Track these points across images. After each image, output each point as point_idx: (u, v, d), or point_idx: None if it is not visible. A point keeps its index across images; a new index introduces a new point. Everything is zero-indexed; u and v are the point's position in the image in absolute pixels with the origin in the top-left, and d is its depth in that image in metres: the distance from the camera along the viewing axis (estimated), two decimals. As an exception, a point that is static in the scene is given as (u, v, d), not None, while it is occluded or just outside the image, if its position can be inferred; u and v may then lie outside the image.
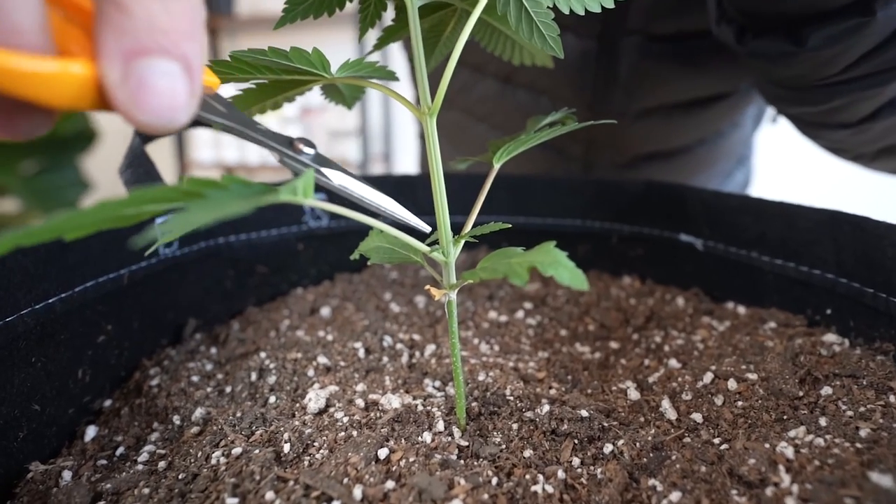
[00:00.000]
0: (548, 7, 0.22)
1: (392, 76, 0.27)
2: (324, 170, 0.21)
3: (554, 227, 0.41)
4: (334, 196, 0.36)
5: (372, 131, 2.08)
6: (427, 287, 0.23)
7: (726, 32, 0.32)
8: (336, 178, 0.21)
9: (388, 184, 0.41)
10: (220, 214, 0.14)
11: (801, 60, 0.30)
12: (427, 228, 0.22)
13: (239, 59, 0.22)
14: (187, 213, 0.14)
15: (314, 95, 2.20)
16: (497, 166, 0.26)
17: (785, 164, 1.47)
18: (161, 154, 2.17)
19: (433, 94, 0.22)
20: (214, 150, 2.00)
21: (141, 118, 0.15)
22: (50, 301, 0.26)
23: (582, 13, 0.23)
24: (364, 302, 0.37)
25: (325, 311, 0.36)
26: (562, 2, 0.22)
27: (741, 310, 0.33)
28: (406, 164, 2.14)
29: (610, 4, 0.23)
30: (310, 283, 0.41)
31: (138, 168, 0.33)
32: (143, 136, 0.34)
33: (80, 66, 0.15)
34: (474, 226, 0.24)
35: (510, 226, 0.22)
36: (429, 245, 0.24)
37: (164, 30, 0.15)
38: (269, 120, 1.95)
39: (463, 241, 0.23)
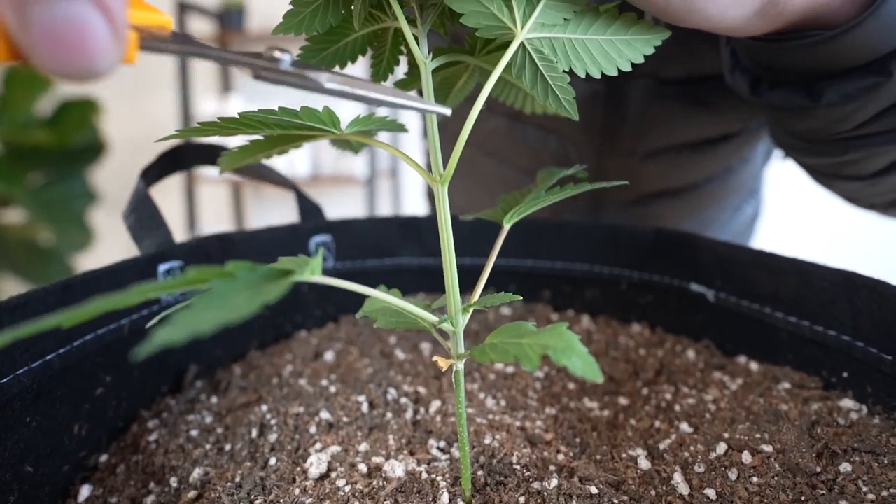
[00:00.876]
0: (564, 71, 0.22)
1: (402, 128, 0.27)
2: (309, 73, 0.19)
3: (562, 271, 0.40)
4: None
5: (379, 149, 2.09)
6: (435, 358, 0.22)
7: (740, 82, 0.32)
8: (325, 80, 0.19)
9: (393, 226, 0.40)
10: (225, 317, 0.13)
11: (816, 115, 0.29)
12: (448, 111, 0.20)
13: (248, 118, 0.22)
14: (189, 321, 0.13)
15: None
16: (507, 227, 0.25)
17: (795, 198, 1.47)
18: (168, 167, 2.18)
19: (445, 161, 0.22)
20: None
21: (54, 69, 0.13)
22: (48, 358, 0.25)
23: (598, 76, 0.22)
24: (368, 347, 0.37)
25: (329, 356, 0.36)
26: (578, 66, 0.22)
27: (753, 366, 0.32)
28: (413, 180, 2.14)
29: (627, 67, 0.23)
30: (314, 325, 0.40)
31: (142, 213, 0.33)
32: (147, 179, 0.34)
33: None
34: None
35: (521, 298, 0.21)
36: (435, 309, 0.24)
37: None
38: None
39: (471, 310, 0.22)
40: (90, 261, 2.22)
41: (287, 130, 0.23)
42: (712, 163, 0.49)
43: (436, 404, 0.30)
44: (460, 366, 0.22)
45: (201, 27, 2.06)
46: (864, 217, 0.43)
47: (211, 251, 0.35)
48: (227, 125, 0.22)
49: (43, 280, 1.85)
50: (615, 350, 0.36)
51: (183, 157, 0.37)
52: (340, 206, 2.11)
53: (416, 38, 0.22)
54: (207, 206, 2.23)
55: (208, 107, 1.98)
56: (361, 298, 0.41)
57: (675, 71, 0.41)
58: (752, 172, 0.56)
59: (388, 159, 2.14)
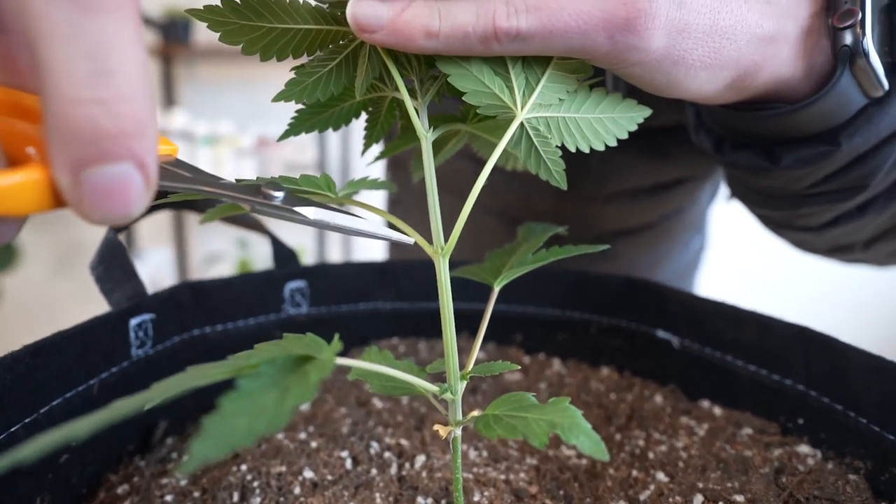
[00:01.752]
0: (556, 146, 0.23)
1: (391, 187, 0.27)
2: (297, 209, 0.21)
3: (535, 316, 0.41)
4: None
5: (330, 164, 2.06)
6: (435, 428, 0.23)
7: (704, 141, 0.34)
8: (311, 214, 0.21)
9: (369, 271, 0.40)
10: (260, 427, 0.13)
11: (774, 175, 0.32)
12: (410, 241, 0.22)
13: (246, 186, 0.21)
14: (225, 433, 0.13)
15: (272, 127, 2.16)
16: (497, 289, 0.26)
17: (737, 232, 1.56)
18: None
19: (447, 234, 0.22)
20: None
21: (96, 219, 0.16)
22: (13, 429, 0.24)
23: (587, 151, 0.24)
24: (344, 395, 0.36)
25: (304, 405, 0.35)
26: (569, 141, 0.23)
27: (717, 410, 0.34)
28: (366, 197, 2.12)
29: (613, 143, 0.24)
30: (286, 371, 0.39)
31: (112, 263, 0.31)
32: (118, 227, 0.33)
33: (35, 174, 0.16)
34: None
35: (518, 367, 0.22)
36: (429, 371, 0.24)
37: (109, 135, 0.15)
38: (225, 152, 1.91)
39: (468, 377, 0.23)
40: (15, 281, 2.07)
41: (290, 187, 0.23)
42: (666, 205, 0.53)
43: (420, 459, 0.30)
44: (458, 432, 0.23)
45: (144, 38, 1.98)
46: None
47: (183, 301, 0.34)
48: (244, 191, 0.22)
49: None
50: (587, 394, 0.37)
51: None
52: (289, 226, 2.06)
53: (415, 109, 0.23)
54: (147, 225, 2.13)
55: (150, 120, 1.90)
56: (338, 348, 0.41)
57: None
58: (700, 211, 0.60)
59: (340, 176, 2.13)
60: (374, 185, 0.27)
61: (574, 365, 0.41)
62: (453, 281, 0.33)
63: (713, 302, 0.34)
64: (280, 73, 0.23)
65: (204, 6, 0.22)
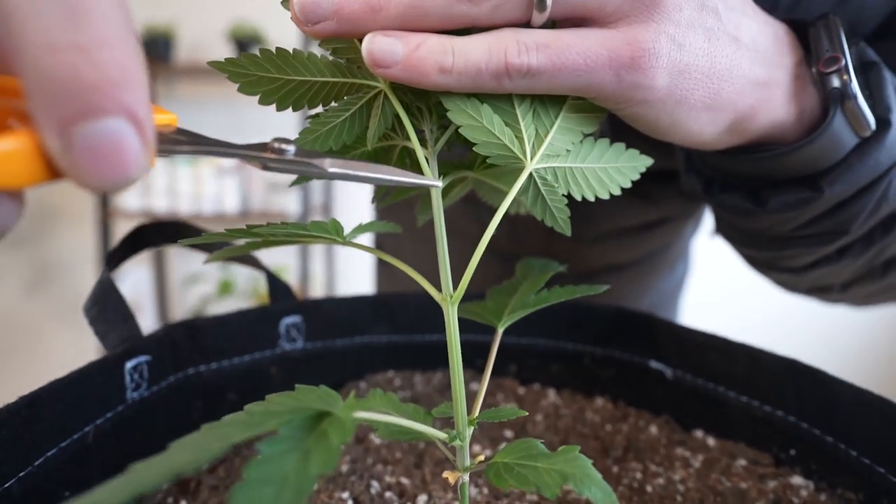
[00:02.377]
0: (562, 195, 0.24)
1: (396, 229, 0.28)
2: (313, 160, 0.20)
3: (529, 347, 0.42)
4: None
5: (312, 182, 2.06)
6: (445, 475, 0.23)
7: (694, 182, 0.35)
8: (328, 165, 0.20)
9: (364, 305, 0.40)
10: (287, 498, 0.13)
11: (760, 217, 0.33)
12: (439, 184, 0.22)
13: (258, 232, 0.22)
14: (254, 500, 0.13)
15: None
16: (501, 331, 0.27)
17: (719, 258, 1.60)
18: (83, 203, 2.03)
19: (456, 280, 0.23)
20: (143, 198, 1.90)
21: (93, 184, 0.14)
22: (8, 485, 0.23)
23: (592, 199, 0.24)
24: (342, 431, 0.36)
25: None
26: (575, 190, 0.24)
27: (711, 441, 0.35)
28: (348, 215, 2.12)
29: (616, 192, 0.25)
30: (281, 407, 0.39)
31: (106, 304, 0.31)
32: (111, 265, 0.32)
33: (22, 140, 0.14)
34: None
35: (525, 413, 0.22)
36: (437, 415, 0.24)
37: (92, 86, 0.13)
38: (205, 171, 1.89)
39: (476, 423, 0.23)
40: (-16, 303, 2.01)
41: (292, 237, 0.23)
42: (651, 242, 0.54)
43: (422, 499, 0.30)
44: (466, 477, 0.23)
45: None
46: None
47: (178, 340, 0.34)
48: (235, 235, 0.22)
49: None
50: (583, 425, 0.38)
51: (146, 237, 0.35)
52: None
53: (426, 158, 0.23)
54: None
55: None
56: (331, 378, 0.41)
57: None
58: (685, 241, 0.61)
59: (322, 194, 2.12)
60: (381, 226, 0.27)
61: (569, 395, 0.41)
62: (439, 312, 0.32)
63: (704, 334, 0.35)
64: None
65: (225, 59, 0.22)
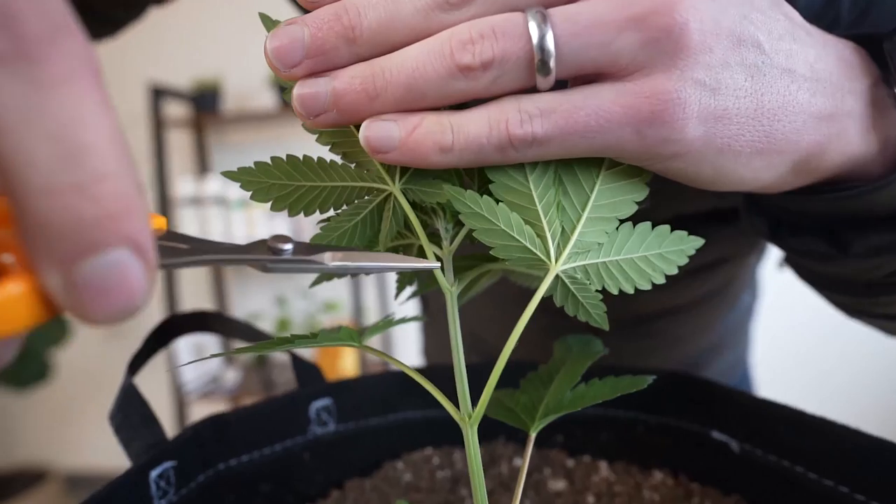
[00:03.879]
0: (596, 290, 0.21)
1: (423, 318, 0.26)
2: (312, 257, 0.19)
3: (574, 415, 0.38)
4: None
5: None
6: None
7: (758, 225, 0.31)
8: (329, 261, 0.19)
9: (394, 380, 0.39)
10: None
11: (842, 263, 0.29)
12: (436, 265, 0.21)
13: (267, 345, 0.21)
14: None
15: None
16: (533, 435, 0.24)
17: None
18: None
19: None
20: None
21: (98, 320, 0.14)
22: None
23: (632, 292, 0.22)
24: (377, 521, 0.34)
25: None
26: (611, 285, 0.21)
27: (790, 527, 0.31)
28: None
29: (661, 280, 0.22)
30: (317, 493, 0.38)
31: (129, 411, 0.30)
32: (134, 369, 0.32)
33: (19, 286, 0.13)
34: None
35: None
36: None
37: (94, 222, 0.13)
38: (257, 213, 1.95)
39: None
40: (67, 355, 2.14)
41: (306, 342, 0.23)
42: (710, 282, 0.49)
43: None
44: None
45: (176, 110, 2.08)
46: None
47: (205, 438, 0.33)
48: (265, 348, 0.21)
49: (19, 380, 1.77)
50: (640, 506, 0.34)
51: (170, 331, 0.35)
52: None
53: (440, 259, 0.22)
54: (188, 286, 2.19)
55: (185, 187, 1.97)
56: (366, 460, 0.39)
57: (663, 213, 0.42)
58: (749, 273, 0.56)
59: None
60: (394, 322, 0.26)
61: (623, 469, 0.37)
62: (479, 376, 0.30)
63: (772, 404, 0.31)
64: (303, 130, 0.22)
65: (238, 168, 0.22)
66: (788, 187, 0.25)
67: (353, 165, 0.22)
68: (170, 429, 2.04)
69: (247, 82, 2.11)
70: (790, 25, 0.23)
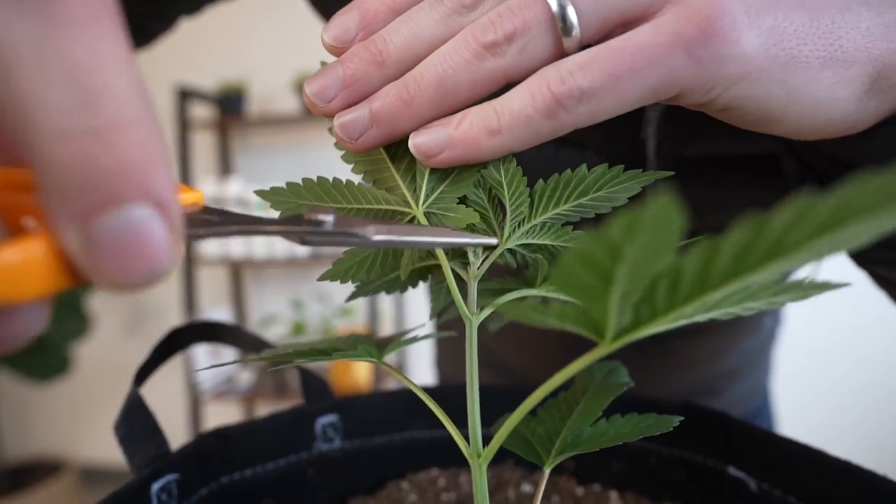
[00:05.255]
0: None
1: (439, 335, 0.26)
2: (356, 230, 0.18)
3: (585, 442, 0.37)
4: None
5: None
6: None
7: (812, 190, 0.29)
8: (372, 234, 0.18)
9: (403, 399, 0.38)
10: None
11: None
12: (493, 241, 0.21)
13: (283, 356, 0.21)
14: None
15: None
16: (548, 471, 0.23)
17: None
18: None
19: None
20: (221, 246, 2.00)
21: (117, 282, 0.13)
22: None
23: None
24: (380, 544, 0.34)
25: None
26: None
27: (810, 574, 0.29)
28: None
29: None
30: (320, 511, 0.37)
31: (134, 422, 0.30)
32: (141, 379, 0.32)
33: (37, 245, 0.12)
34: None
35: None
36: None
37: (111, 171, 0.12)
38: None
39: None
40: (88, 349, 2.18)
41: (325, 358, 0.22)
42: None
43: None
44: None
45: (202, 112, 2.11)
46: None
47: (209, 451, 0.33)
48: (282, 358, 0.21)
49: (40, 372, 1.80)
50: (651, 542, 0.33)
51: (177, 341, 0.35)
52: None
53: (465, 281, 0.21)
54: (207, 288, 2.21)
55: (208, 189, 2.00)
56: (371, 479, 0.39)
57: (691, 226, 0.40)
58: None
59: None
60: (409, 341, 0.25)
61: (634, 499, 0.36)
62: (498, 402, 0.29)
63: (793, 443, 0.30)
64: (325, 134, 0.22)
65: (270, 188, 0.23)
66: (870, 120, 0.22)
67: (380, 189, 0.22)
68: (183, 427, 2.06)
69: (271, 86, 2.13)
70: None
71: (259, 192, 0.22)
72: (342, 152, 0.23)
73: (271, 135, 2.19)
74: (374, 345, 0.24)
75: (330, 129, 0.22)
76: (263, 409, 2.22)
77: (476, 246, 0.20)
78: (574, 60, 0.19)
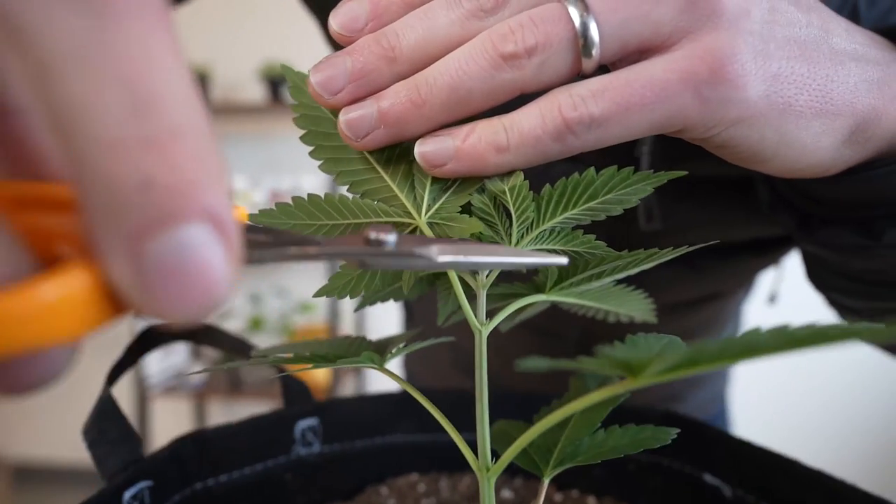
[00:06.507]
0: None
1: (440, 341, 0.26)
2: (417, 250, 0.17)
3: (565, 448, 0.38)
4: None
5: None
6: None
7: (784, 219, 0.30)
8: (436, 255, 0.17)
9: (387, 403, 0.37)
10: None
11: (875, 255, 0.28)
12: (564, 261, 0.19)
13: (282, 360, 0.20)
14: None
15: (284, 181, 2.17)
16: (546, 482, 0.23)
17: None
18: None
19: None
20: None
21: (173, 315, 0.11)
22: None
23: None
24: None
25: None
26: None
27: (780, 578, 0.30)
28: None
29: None
30: (296, 516, 0.36)
31: (106, 424, 0.29)
32: (113, 379, 0.30)
33: (77, 277, 0.11)
34: None
35: None
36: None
37: (168, 187, 0.10)
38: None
39: None
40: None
41: (327, 365, 0.22)
42: (702, 314, 0.49)
43: None
44: None
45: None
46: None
47: (184, 456, 0.31)
48: (280, 362, 0.20)
49: None
50: (629, 547, 0.33)
51: (151, 341, 0.33)
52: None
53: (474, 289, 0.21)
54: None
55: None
56: (350, 484, 0.38)
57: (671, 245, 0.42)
58: (736, 307, 0.56)
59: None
60: (428, 343, 0.25)
61: (611, 505, 0.37)
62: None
63: (768, 452, 0.31)
64: (291, 126, 0.21)
65: (259, 210, 0.22)
66: (843, 165, 0.24)
67: (376, 202, 0.21)
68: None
69: (235, 74, 2.07)
70: (815, 2, 0.23)
71: (250, 217, 0.21)
72: (338, 185, 0.22)
73: (235, 123, 2.13)
74: (373, 349, 0.23)
75: (295, 120, 0.22)
76: (216, 407, 2.16)
77: (547, 267, 0.19)
78: (587, 87, 0.20)
